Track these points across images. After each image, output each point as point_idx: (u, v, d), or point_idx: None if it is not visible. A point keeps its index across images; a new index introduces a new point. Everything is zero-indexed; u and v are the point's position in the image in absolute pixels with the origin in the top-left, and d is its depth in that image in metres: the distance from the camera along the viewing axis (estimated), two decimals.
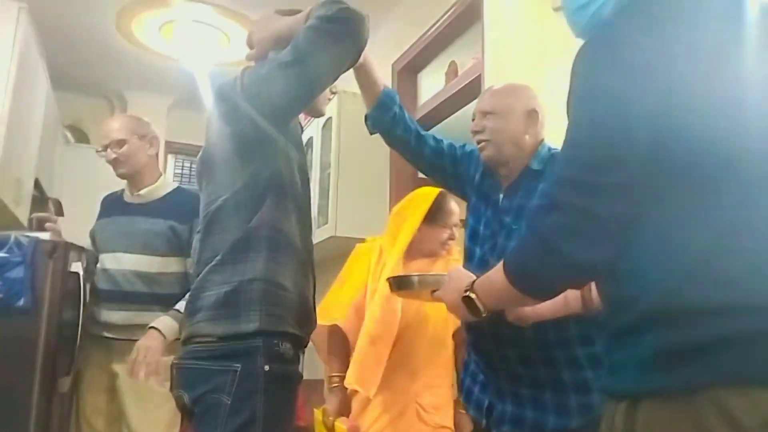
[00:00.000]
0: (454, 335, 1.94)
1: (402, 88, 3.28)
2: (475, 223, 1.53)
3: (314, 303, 1.41)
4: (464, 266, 1.47)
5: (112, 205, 2.31)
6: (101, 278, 2.18)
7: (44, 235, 2.14)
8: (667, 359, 0.80)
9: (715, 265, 0.80)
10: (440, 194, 1.93)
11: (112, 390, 2.13)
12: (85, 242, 2.33)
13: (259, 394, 1.22)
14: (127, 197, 2.29)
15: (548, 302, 1.13)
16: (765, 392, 0.75)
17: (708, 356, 0.78)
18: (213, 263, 1.29)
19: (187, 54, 3.89)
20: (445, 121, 3.05)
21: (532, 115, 1.48)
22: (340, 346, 2.05)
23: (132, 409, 2.08)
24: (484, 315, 1.09)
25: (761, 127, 0.83)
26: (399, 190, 3.18)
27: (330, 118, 3.25)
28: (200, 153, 1.44)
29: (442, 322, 1.89)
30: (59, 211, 3.32)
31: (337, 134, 3.23)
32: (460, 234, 1.93)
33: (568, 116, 0.92)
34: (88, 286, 2.20)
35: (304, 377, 1.41)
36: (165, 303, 2.10)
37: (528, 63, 2.25)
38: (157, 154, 2.32)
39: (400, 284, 1.37)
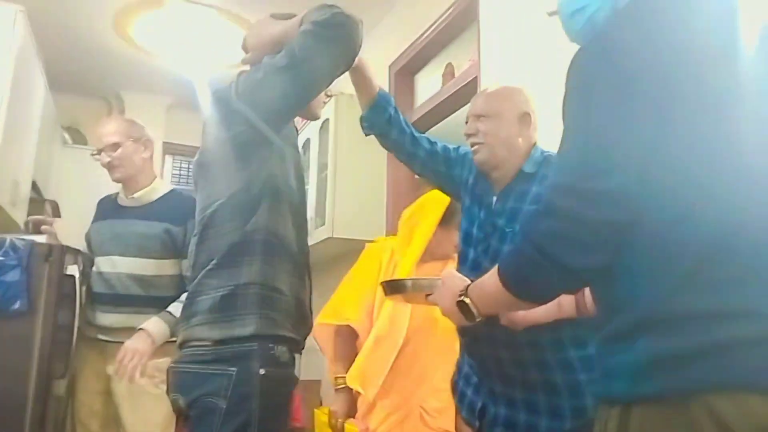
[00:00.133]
0: None
1: (399, 90, 3.28)
2: (468, 225, 1.54)
3: (310, 306, 1.42)
4: (457, 269, 1.48)
5: (107, 208, 2.31)
6: (97, 281, 2.18)
7: (40, 238, 2.14)
8: (659, 365, 0.80)
9: (707, 271, 0.80)
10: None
11: (107, 393, 2.13)
12: (82, 244, 2.33)
13: (255, 397, 1.22)
14: (122, 200, 2.29)
15: (542, 306, 1.13)
16: (757, 399, 0.76)
17: (700, 362, 0.78)
18: (209, 267, 1.30)
19: (185, 55, 3.89)
20: (442, 122, 3.06)
21: (525, 118, 1.48)
22: (346, 346, 2.06)
23: (127, 411, 2.08)
24: (478, 320, 1.09)
25: (755, 133, 0.84)
26: (396, 192, 3.18)
27: (327, 119, 3.26)
28: (196, 156, 1.44)
29: (450, 325, 1.90)
30: (56, 213, 3.32)
31: (334, 136, 3.24)
32: None
33: (564, 122, 0.92)
34: (83, 289, 2.20)
35: (301, 378, 1.42)
36: (161, 306, 2.10)
37: (524, 65, 2.26)
38: (151, 157, 2.31)
39: (393, 288, 1.37)
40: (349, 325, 2.09)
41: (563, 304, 1.25)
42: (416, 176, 2.11)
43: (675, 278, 0.81)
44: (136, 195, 2.25)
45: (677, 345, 0.79)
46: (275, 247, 1.31)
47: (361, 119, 1.66)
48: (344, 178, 3.20)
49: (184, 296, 1.39)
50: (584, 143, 0.88)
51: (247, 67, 1.44)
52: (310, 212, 3.32)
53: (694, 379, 0.78)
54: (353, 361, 2.00)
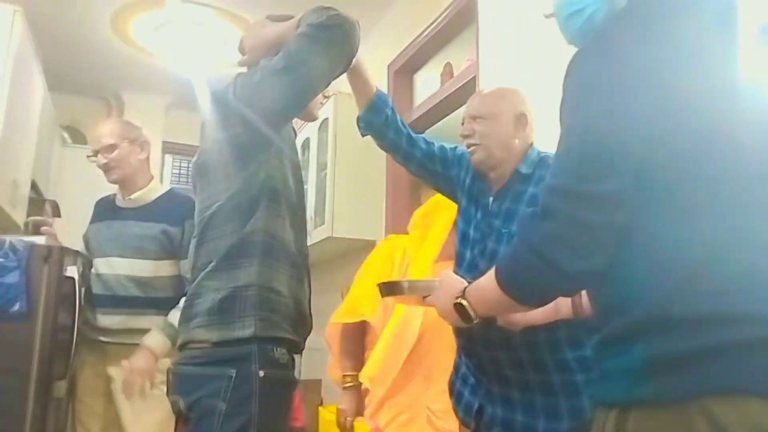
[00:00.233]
0: None
1: (398, 89, 3.29)
2: (465, 226, 1.54)
3: (310, 307, 1.42)
4: (454, 270, 1.48)
5: (105, 210, 2.31)
6: (95, 283, 2.19)
7: (40, 240, 2.14)
8: (657, 368, 0.80)
9: (705, 274, 0.80)
10: None
11: (108, 394, 2.14)
12: (81, 245, 2.33)
13: (254, 399, 1.22)
14: (120, 201, 2.29)
15: (539, 308, 1.13)
16: (755, 402, 0.76)
17: (698, 365, 0.78)
18: (208, 269, 1.30)
19: (184, 55, 3.89)
20: (441, 121, 3.06)
21: (521, 119, 1.48)
22: (354, 344, 2.06)
23: (127, 412, 2.09)
24: (475, 321, 1.10)
25: (753, 137, 0.84)
26: (396, 191, 3.19)
27: (326, 119, 3.26)
28: (195, 158, 1.44)
29: None
30: (56, 213, 3.32)
31: (333, 135, 3.24)
32: None
33: (561, 125, 0.92)
34: (83, 291, 2.20)
35: (302, 378, 1.42)
36: (160, 306, 2.11)
37: (523, 65, 2.26)
38: (148, 158, 2.31)
39: (390, 289, 1.37)
40: (356, 323, 2.09)
41: (560, 306, 1.25)
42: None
43: (672, 281, 0.81)
44: (133, 196, 2.25)
45: (675, 348, 0.79)
46: (274, 248, 1.31)
47: (358, 119, 1.67)
48: (344, 177, 3.20)
49: (183, 302, 1.39)
50: (581, 145, 0.88)
51: (244, 69, 1.44)
52: (310, 211, 3.33)
53: (692, 382, 0.78)
54: (361, 359, 2.01)
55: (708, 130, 0.83)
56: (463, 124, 1.53)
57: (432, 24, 2.94)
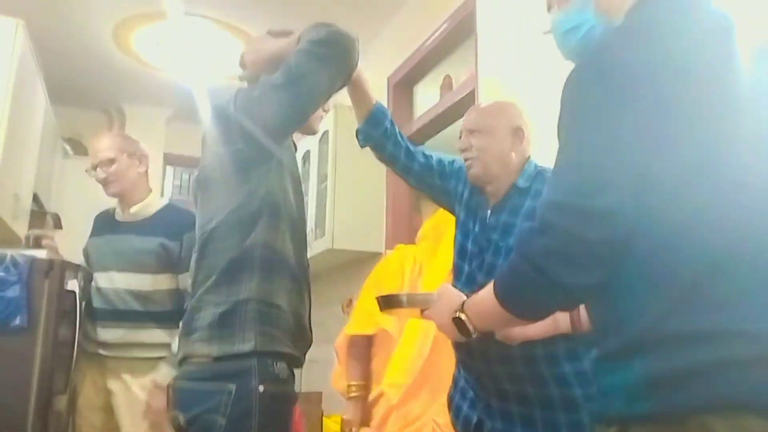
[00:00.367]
0: None
1: (397, 101, 3.30)
2: (463, 239, 1.54)
3: (310, 321, 1.42)
4: (453, 283, 1.48)
5: (104, 224, 2.32)
6: (95, 297, 2.19)
7: (41, 253, 2.14)
8: (656, 385, 0.80)
9: (704, 290, 0.80)
10: None
11: (108, 408, 2.14)
12: (81, 258, 2.34)
13: (254, 414, 1.22)
14: (119, 215, 2.30)
15: (538, 322, 1.13)
16: (754, 418, 0.76)
17: (697, 382, 0.78)
18: (208, 284, 1.30)
19: (185, 67, 3.91)
20: (441, 133, 3.07)
21: (518, 132, 1.49)
22: (361, 354, 2.06)
23: (128, 426, 2.09)
24: (474, 336, 1.10)
25: (752, 149, 0.84)
26: (396, 203, 3.19)
27: (327, 131, 3.27)
28: (196, 173, 1.45)
29: None
30: (58, 225, 3.34)
31: (333, 147, 3.25)
32: None
33: (559, 140, 0.92)
34: (83, 304, 2.20)
35: (302, 390, 1.41)
36: (159, 320, 2.11)
37: (521, 77, 2.27)
38: (146, 171, 2.32)
39: (388, 303, 1.37)
40: (363, 335, 2.09)
41: (559, 320, 1.25)
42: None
43: (670, 297, 0.81)
44: (132, 210, 2.26)
45: (673, 364, 0.79)
46: (274, 262, 1.31)
47: (357, 132, 1.68)
48: (344, 189, 3.21)
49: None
50: (579, 161, 0.89)
51: (245, 84, 1.45)
52: (310, 223, 3.33)
53: (691, 398, 0.78)
54: (367, 369, 2.01)
55: (705, 146, 0.83)
56: (460, 137, 1.54)
57: (431, 37, 2.95)
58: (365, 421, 2.02)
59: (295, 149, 1.53)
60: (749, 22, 0.92)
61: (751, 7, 1.33)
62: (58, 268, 2.09)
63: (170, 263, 2.16)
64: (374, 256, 3.19)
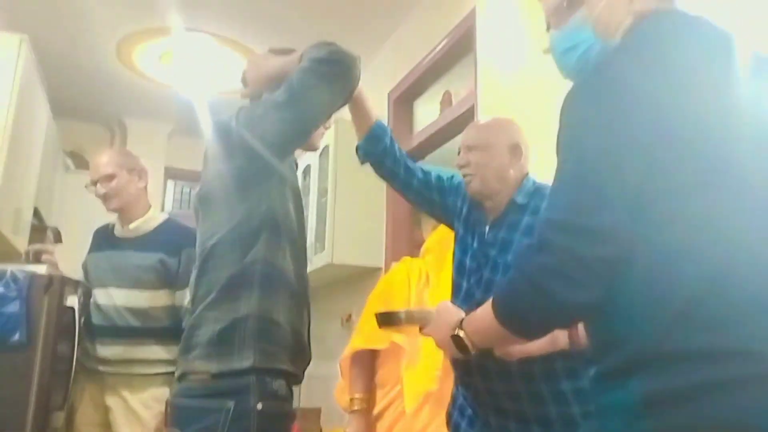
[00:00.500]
0: None
1: (397, 116, 3.32)
2: (461, 255, 1.54)
3: (309, 338, 1.42)
4: (451, 299, 1.48)
5: (103, 240, 2.32)
6: (95, 313, 2.19)
7: (40, 269, 2.14)
8: (654, 404, 0.80)
9: (702, 309, 0.80)
10: None
11: (106, 424, 2.12)
12: (81, 273, 2.34)
13: None
14: (118, 231, 2.30)
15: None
16: None
17: (695, 402, 0.78)
18: (208, 300, 1.30)
19: (187, 82, 3.94)
20: (440, 148, 3.08)
21: (516, 149, 1.50)
22: (365, 368, 2.06)
23: None
24: (472, 353, 1.10)
25: (750, 169, 0.85)
26: (396, 218, 3.20)
27: (327, 145, 3.28)
28: (197, 189, 1.46)
29: None
30: (58, 239, 3.33)
31: (334, 161, 3.26)
32: None
33: (558, 158, 0.93)
34: (82, 320, 2.20)
35: (300, 406, 1.41)
36: (158, 336, 2.11)
37: (521, 93, 2.29)
38: (146, 187, 2.33)
39: (386, 320, 1.37)
40: (367, 349, 2.09)
41: (557, 337, 1.25)
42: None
43: (668, 316, 0.81)
44: (131, 226, 2.26)
45: (671, 384, 0.79)
46: (273, 279, 1.32)
47: (357, 148, 1.69)
48: (344, 204, 3.22)
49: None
50: (577, 179, 0.89)
51: (246, 101, 1.46)
52: (310, 237, 3.33)
53: (689, 418, 0.78)
54: (371, 383, 2.01)
55: (704, 163, 0.84)
56: (459, 154, 1.55)
57: (431, 53, 2.98)
58: None
59: (296, 166, 1.54)
60: (745, 32, 0.93)
61: (747, 17, 1.34)
62: (57, 284, 2.09)
63: (169, 279, 2.16)
64: (374, 271, 3.19)
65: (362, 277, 3.29)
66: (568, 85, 0.96)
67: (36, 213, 3.35)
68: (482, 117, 2.41)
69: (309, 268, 1.52)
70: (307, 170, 3.59)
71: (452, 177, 1.67)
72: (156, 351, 2.12)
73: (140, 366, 2.10)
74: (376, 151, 1.64)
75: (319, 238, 3.35)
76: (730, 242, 0.82)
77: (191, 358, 1.29)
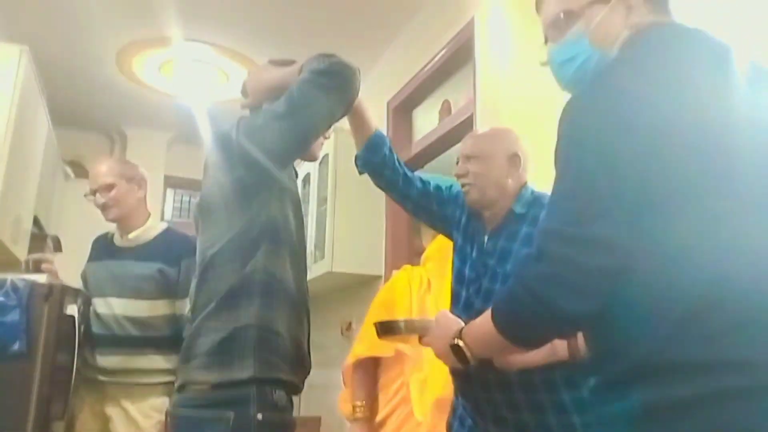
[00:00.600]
0: None
1: (397, 125, 3.33)
2: (461, 264, 1.55)
3: (308, 348, 1.42)
4: (450, 309, 1.48)
5: (103, 249, 2.32)
6: (94, 323, 2.19)
7: (41, 278, 2.14)
8: (653, 415, 0.80)
9: (701, 319, 0.80)
10: None
11: None
12: (80, 282, 2.34)
13: None
14: (118, 240, 2.30)
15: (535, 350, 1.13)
16: None
17: (694, 413, 0.78)
18: (208, 309, 1.30)
19: (187, 91, 3.95)
20: (439, 157, 3.09)
21: (514, 159, 1.51)
22: (368, 375, 2.06)
23: None
24: (472, 363, 1.10)
25: (748, 178, 0.85)
26: (395, 226, 3.20)
27: (327, 154, 3.29)
28: (197, 199, 1.46)
29: None
30: (58, 248, 3.33)
31: (333, 170, 3.26)
32: None
33: (556, 168, 0.93)
34: (82, 329, 2.19)
35: (300, 414, 1.41)
36: (158, 345, 2.11)
37: (519, 103, 2.30)
38: (145, 196, 2.33)
39: (386, 330, 1.37)
40: (370, 357, 2.09)
41: (557, 347, 1.25)
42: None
43: (667, 327, 0.81)
44: (131, 236, 2.26)
45: (671, 395, 0.79)
46: (273, 288, 1.32)
47: (356, 158, 1.70)
48: (343, 212, 3.22)
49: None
50: (576, 189, 0.89)
51: (246, 112, 1.47)
52: (310, 246, 3.33)
53: (689, 428, 0.78)
54: (373, 390, 2.00)
55: (702, 172, 0.84)
56: (457, 163, 1.56)
57: (430, 62, 2.99)
58: None
59: (296, 175, 1.55)
60: (742, 41, 0.93)
61: (743, 27, 1.36)
62: (57, 293, 2.09)
63: (168, 289, 2.16)
64: (374, 279, 3.19)
65: (362, 286, 3.29)
66: (566, 94, 0.97)
67: (36, 222, 3.35)
68: (481, 126, 2.42)
69: (309, 277, 1.52)
70: (306, 179, 3.60)
71: (451, 186, 1.68)
72: (156, 360, 2.12)
73: (140, 375, 2.09)
74: (375, 161, 1.65)
75: (318, 247, 3.35)
76: (729, 252, 0.82)
77: (191, 368, 1.29)
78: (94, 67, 3.76)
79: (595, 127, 0.89)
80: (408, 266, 2.30)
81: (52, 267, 2.32)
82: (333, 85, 1.32)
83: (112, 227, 2.37)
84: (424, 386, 1.94)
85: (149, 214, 2.34)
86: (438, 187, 1.68)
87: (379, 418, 2.04)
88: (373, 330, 2.08)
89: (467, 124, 2.59)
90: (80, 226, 3.43)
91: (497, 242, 1.48)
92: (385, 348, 2.04)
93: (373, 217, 3.25)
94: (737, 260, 0.82)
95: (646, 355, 0.82)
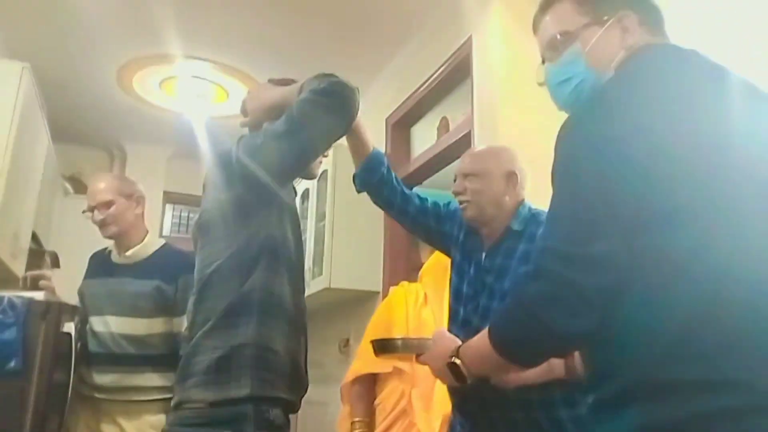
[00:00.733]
0: None
1: (395, 142, 3.35)
2: (458, 282, 1.55)
3: (306, 366, 1.42)
4: (448, 326, 1.48)
5: (100, 266, 2.31)
6: (91, 340, 2.17)
7: (38, 295, 2.13)
8: None
9: (694, 339, 0.80)
10: None
11: None
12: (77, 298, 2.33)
13: None
14: (115, 257, 2.29)
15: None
16: None
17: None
18: (206, 327, 1.30)
19: (186, 108, 3.98)
20: (438, 174, 3.10)
21: (512, 177, 1.52)
22: (366, 391, 2.05)
23: None
24: (469, 381, 1.10)
25: (743, 198, 0.85)
26: (393, 242, 3.20)
27: (326, 170, 3.30)
28: (196, 217, 1.46)
29: None
30: (56, 264, 3.33)
31: (332, 186, 3.27)
32: None
33: (553, 187, 0.94)
34: (79, 346, 2.18)
35: (298, 431, 1.40)
36: (155, 363, 2.10)
37: (516, 120, 2.31)
38: (143, 213, 2.32)
39: (383, 347, 1.37)
40: (368, 373, 2.08)
41: (553, 366, 1.26)
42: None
43: (662, 346, 0.81)
44: (128, 253, 2.25)
45: (666, 414, 0.79)
46: (271, 306, 1.32)
47: (354, 177, 1.71)
48: (342, 228, 3.22)
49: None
50: (572, 209, 0.90)
51: (246, 130, 1.48)
52: (308, 262, 3.33)
53: None
54: (371, 407, 2.00)
55: (698, 191, 0.85)
56: (455, 181, 1.57)
57: (429, 79, 3.01)
58: None
59: (295, 193, 1.56)
60: (734, 60, 0.94)
61: (735, 46, 1.37)
62: (54, 311, 2.07)
63: (166, 306, 2.15)
64: (372, 295, 3.18)
65: (360, 302, 3.28)
66: (563, 113, 0.98)
67: (34, 237, 3.35)
68: (479, 143, 2.43)
69: (306, 293, 1.52)
70: (305, 195, 3.61)
71: (448, 204, 1.68)
72: (152, 378, 2.11)
73: (136, 393, 2.08)
74: (373, 180, 1.66)
75: (316, 263, 3.35)
76: (724, 270, 0.82)
77: (188, 387, 1.28)
78: (95, 83, 3.78)
79: (592, 146, 0.90)
80: (405, 282, 2.31)
81: (50, 283, 2.31)
82: (333, 105, 1.33)
83: (110, 243, 2.37)
84: (430, 402, 1.93)
85: (147, 231, 2.34)
86: (436, 204, 1.69)
87: (378, 430, 2.04)
88: (371, 347, 2.08)
89: (465, 141, 2.60)
90: (79, 242, 3.41)
91: (495, 259, 1.48)
92: (383, 364, 2.04)
93: (371, 232, 3.25)
94: (733, 279, 0.82)
95: (642, 374, 0.82)
